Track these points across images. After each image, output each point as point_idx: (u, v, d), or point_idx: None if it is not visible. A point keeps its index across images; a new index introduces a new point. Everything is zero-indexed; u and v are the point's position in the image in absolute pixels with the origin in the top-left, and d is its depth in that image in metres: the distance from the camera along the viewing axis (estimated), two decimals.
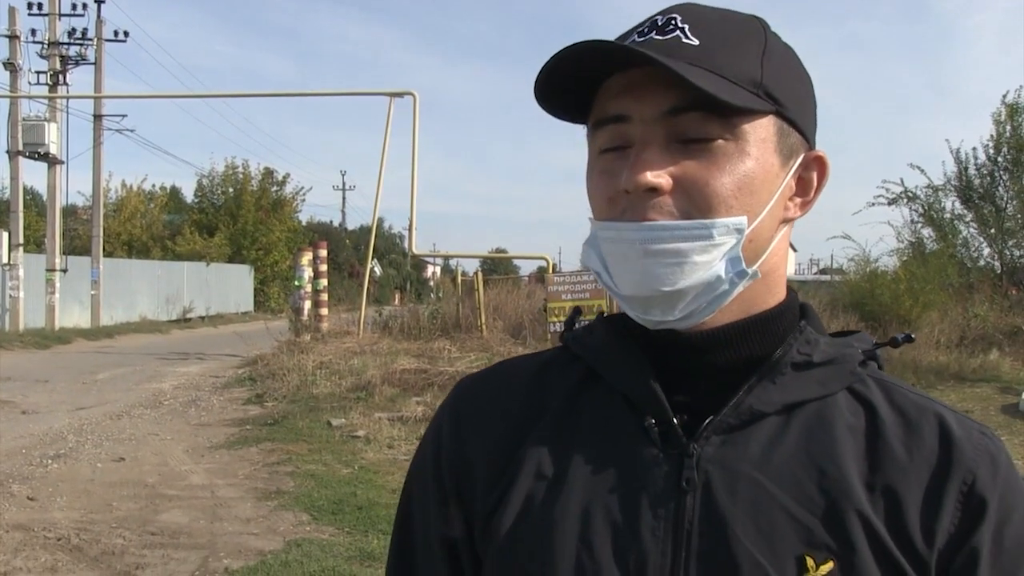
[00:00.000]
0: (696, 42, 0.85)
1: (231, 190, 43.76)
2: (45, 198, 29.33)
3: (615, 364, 0.93)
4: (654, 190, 0.84)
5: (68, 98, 28.05)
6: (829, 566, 0.81)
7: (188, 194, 47.88)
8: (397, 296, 53.57)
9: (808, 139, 0.92)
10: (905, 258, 20.33)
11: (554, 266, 19.59)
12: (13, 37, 26.36)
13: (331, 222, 64.12)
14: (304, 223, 49.17)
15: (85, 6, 28.92)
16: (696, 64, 0.83)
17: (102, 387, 14.78)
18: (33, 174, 55.89)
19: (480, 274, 20.63)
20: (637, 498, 0.86)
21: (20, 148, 26.28)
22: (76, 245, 33.34)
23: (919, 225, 21.56)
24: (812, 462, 0.86)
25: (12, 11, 26.70)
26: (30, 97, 26.79)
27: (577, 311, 1.05)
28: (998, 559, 0.84)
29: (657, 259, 0.84)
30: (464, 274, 26.92)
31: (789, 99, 0.89)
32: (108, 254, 34.09)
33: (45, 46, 27.57)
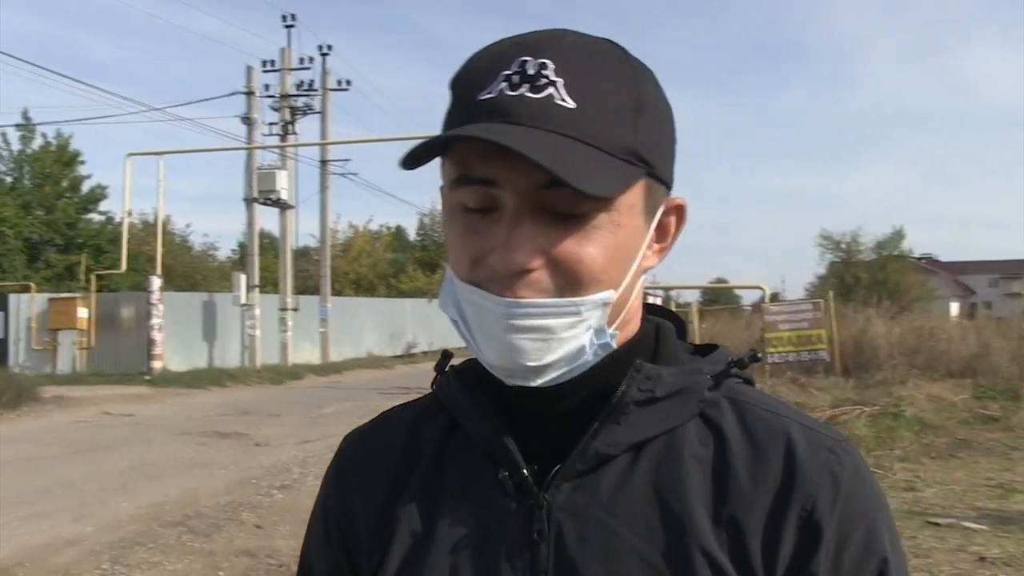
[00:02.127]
0: (572, 105, 0.80)
1: None
2: (279, 241, 31.36)
3: (470, 416, 0.92)
4: (528, 271, 0.81)
5: (297, 146, 29.98)
6: None
7: (411, 233, 49.95)
8: None
9: (670, 184, 0.90)
10: None
11: (775, 295, 19.11)
12: (250, 93, 28.48)
13: None
14: None
15: (312, 59, 30.92)
16: (571, 135, 0.79)
17: (327, 421, 15.58)
18: (268, 219, 59.72)
19: (695, 305, 20.39)
20: (496, 551, 0.87)
21: (255, 195, 28.25)
22: (307, 285, 35.47)
23: None
24: (659, 499, 0.86)
25: (249, 70, 28.86)
26: (264, 147, 28.80)
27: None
28: None
29: (523, 334, 0.83)
30: (679, 305, 26.64)
31: (659, 155, 0.86)
32: (336, 292, 36.02)
33: (277, 99, 29.61)
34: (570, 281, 0.82)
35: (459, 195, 0.84)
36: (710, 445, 0.88)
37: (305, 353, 30.57)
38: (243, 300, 26.99)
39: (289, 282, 29.63)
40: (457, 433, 0.95)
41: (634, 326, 0.93)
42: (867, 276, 46.33)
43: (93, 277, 27.40)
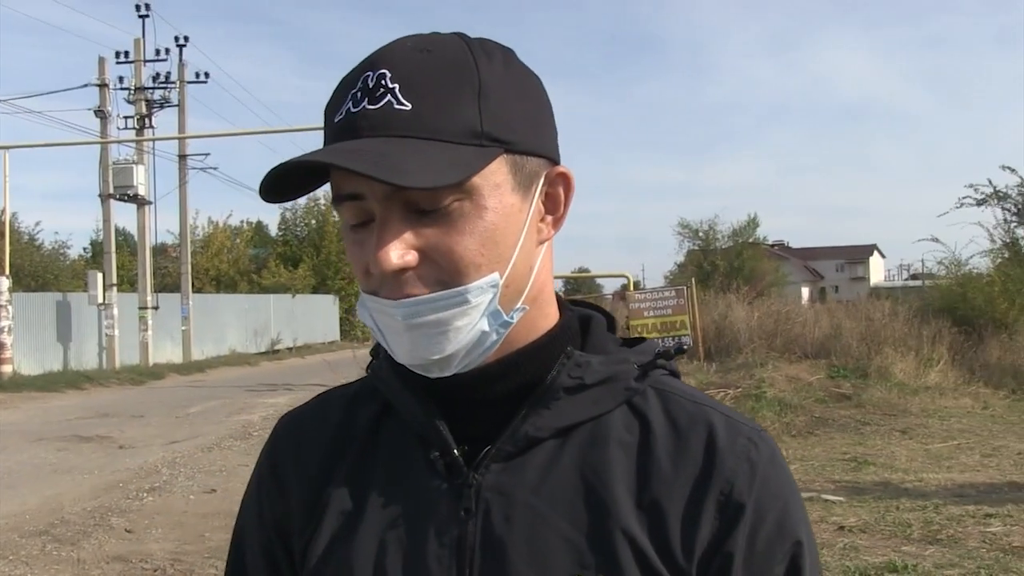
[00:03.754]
0: (408, 106, 0.83)
1: (313, 222, 44.65)
2: (136, 238, 30.28)
3: (403, 399, 0.95)
4: (403, 269, 0.85)
5: (154, 140, 28.95)
6: None
7: (272, 228, 48.98)
8: None
9: (549, 156, 0.92)
10: (999, 260, 19.72)
11: (637, 283, 19.50)
12: (103, 86, 27.33)
13: None
14: None
15: (168, 51, 29.90)
16: (410, 134, 0.83)
17: (194, 420, 15.16)
18: (124, 215, 57.56)
19: (562, 295, 20.64)
20: (425, 527, 0.90)
21: (111, 191, 27.19)
22: (167, 282, 34.36)
23: (1013, 225, 20.84)
24: (584, 483, 0.89)
25: (101, 61, 27.68)
26: (119, 142, 27.68)
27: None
28: (750, 562, 0.88)
29: (421, 331, 0.86)
30: None
31: (516, 131, 0.88)
32: (197, 290, 35.05)
33: (131, 92, 28.55)
34: (448, 272, 0.85)
35: (341, 213, 0.88)
36: (635, 432, 0.92)
37: (167, 352, 29.64)
38: (100, 299, 25.97)
39: (148, 280, 28.61)
40: (390, 415, 0.98)
41: (552, 312, 0.96)
42: (724, 263, 47.86)
43: None
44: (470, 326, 0.86)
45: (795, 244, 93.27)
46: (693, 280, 19.82)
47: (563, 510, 0.89)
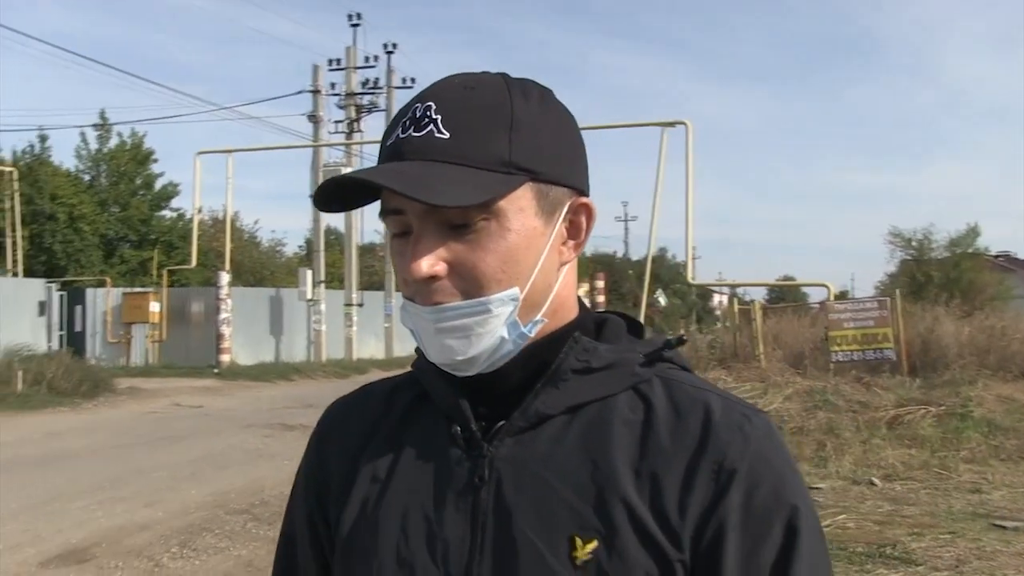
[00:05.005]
0: (447, 135, 0.95)
1: None
2: (344, 237, 31.75)
3: (436, 384, 1.05)
4: (433, 277, 0.95)
5: (362, 144, 30.36)
6: (593, 544, 0.93)
7: None
8: (682, 326, 53.23)
9: (574, 186, 1.02)
10: None
11: (844, 293, 18.83)
12: (316, 92, 28.92)
13: (615, 253, 64.35)
14: (588, 255, 50.08)
15: (377, 58, 31.31)
16: (446, 160, 0.94)
17: None
18: (334, 216, 60.45)
19: (758, 303, 20.21)
20: (444, 494, 1.01)
21: None
22: (374, 280, 35.86)
23: None
24: (588, 456, 0.97)
25: (316, 68, 29.34)
26: (330, 145, 29.27)
27: None
28: (746, 525, 0.93)
29: (448, 335, 0.97)
30: (742, 302, 26.43)
31: (543, 162, 0.98)
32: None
33: (343, 97, 30.03)
34: (471, 284, 0.96)
35: (387, 225, 1.00)
36: (639, 412, 0.99)
37: (370, 348, 30.98)
38: (309, 296, 27.45)
39: (354, 278, 30.03)
40: (424, 401, 1.09)
41: (570, 313, 1.06)
42: (939, 274, 45.26)
43: (165, 272, 28.14)
44: (491, 333, 0.97)
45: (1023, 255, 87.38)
46: (898, 292, 18.89)
47: (568, 479, 0.97)
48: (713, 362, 18.25)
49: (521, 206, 0.97)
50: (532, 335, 0.99)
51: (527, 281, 0.98)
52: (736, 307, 23.04)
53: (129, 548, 7.03)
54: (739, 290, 47.16)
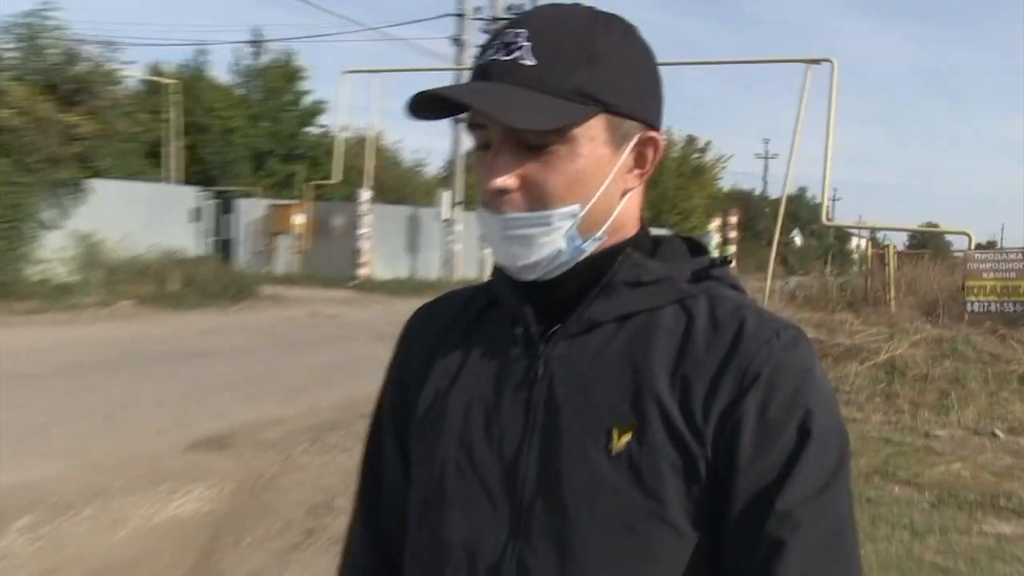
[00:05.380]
0: (532, 62, 1.02)
1: None
2: None
3: (504, 291, 1.16)
4: (505, 190, 1.04)
5: None
6: (627, 436, 1.03)
7: None
8: (817, 267, 51.85)
9: (647, 120, 1.09)
10: None
11: (991, 243, 18.12)
12: (460, 15, 29.05)
13: (753, 190, 62.63)
14: (725, 190, 49.07)
15: None
16: (528, 86, 1.01)
17: None
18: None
19: (892, 247, 19.66)
20: (503, 388, 1.11)
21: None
22: None
23: None
24: (630, 360, 1.06)
25: None
26: (472, 69, 29.24)
27: None
28: (761, 423, 1.01)
29: (512, 242, 1.06)
30: (876, 245, 25.63)
31: (619, 96, 1.05)
32: None
33: (487, 22, 30.02)
34: (538, 199, 1.05)
35: (472, 137, 1.09)
36: (681, 324, 1.07)
37: None
38: (446, 216, 27.85)
39: None
40: (494, 307, 1.19)
41: (629, 232, 1.13)
42: None
43: (310, 186, 29.06)
44: (551, 244, 1.06)
45: None
46: None
47: (610, 379, 1.06)
48: (842, 304, 17.85)
49: (592, 135, 1.04)
50: (588, 251, 1.08)
51: (589, 202, 1.06)
52: (870, 250, 22.38)
53: (264, 440, 7.55)
54: (878, 235, 45.46)
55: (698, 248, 1.17)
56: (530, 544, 1.06)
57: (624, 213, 1.11)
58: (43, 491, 5.91)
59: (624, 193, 1.11)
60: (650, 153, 1.11)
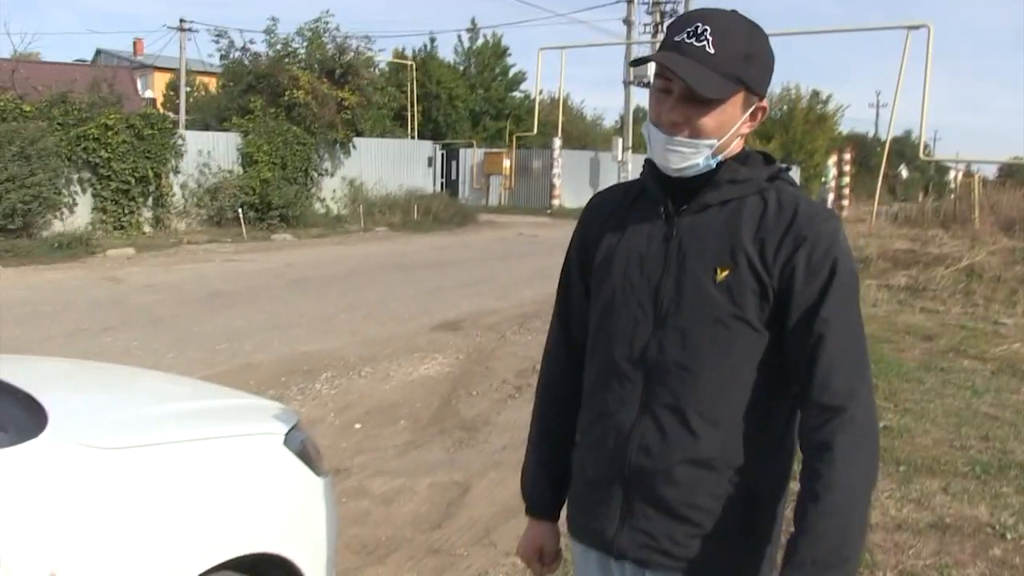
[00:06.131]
0: (713, 51, 1.22)
1: (784, 107, 42.58)
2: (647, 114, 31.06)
3: (652, 184, 1.37)
4: (676, 123, 1.26)
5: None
6: (726, 272, 1.28)
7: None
8: (920, 195, 48.13)
9: (763, 95, 1.30)
10: None
11: None
12: (630, 1, 28.17)
13: (867, 133, 58.61)
14: (844, 133, 46.02)
15: None
16: (709, 67, 1.22)
17: None
18: (640, 98, 59.04)
19: (978, 175, 18.12)
20: (652, 242, 1.34)
21: (631, 79, 28.32)
22: None
23: None
24: (728, 227, 1.30)
25: None
26: (638, 43, 28.52)
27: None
28: (808, 266, 1.25)
29: (671, 152, 1.28)
30: (968, 175, 23.60)
31: (754, 80, 1.27)
32: None
33: (650, 5, 29.07)
34: (694, 132, 1.27)
35: (657, 82, 1.30)
36: (760, 207, 1.30)
37: None
38: (619, 158, 27.56)
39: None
40: (646, 194, 1.39)
41: (734, 152, 1.33)
42: None
43: (514, 138, 29.35)
44: (694, 157, 1.28)
45: None
46: None
47: (716, 238, 1.29)
48: (935, 223, 16.69)
49: (734, 101, 1.27)
50: (713, 166, 1.29)
51: (720, 139, 1.28)
52: (959, 180, 20.68)
53: (484, 324, 7.94)
54: (973, 167, 41.51)
55: (770, 159, 1.36)
56: (666, 333, 1.32)
57: (736, 145, 1.33)
58: (336, 356, 6.52)
59: (739, 135, 1.31)
60: (760, 114, 1.32)
